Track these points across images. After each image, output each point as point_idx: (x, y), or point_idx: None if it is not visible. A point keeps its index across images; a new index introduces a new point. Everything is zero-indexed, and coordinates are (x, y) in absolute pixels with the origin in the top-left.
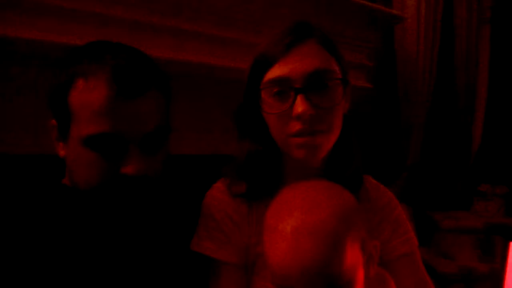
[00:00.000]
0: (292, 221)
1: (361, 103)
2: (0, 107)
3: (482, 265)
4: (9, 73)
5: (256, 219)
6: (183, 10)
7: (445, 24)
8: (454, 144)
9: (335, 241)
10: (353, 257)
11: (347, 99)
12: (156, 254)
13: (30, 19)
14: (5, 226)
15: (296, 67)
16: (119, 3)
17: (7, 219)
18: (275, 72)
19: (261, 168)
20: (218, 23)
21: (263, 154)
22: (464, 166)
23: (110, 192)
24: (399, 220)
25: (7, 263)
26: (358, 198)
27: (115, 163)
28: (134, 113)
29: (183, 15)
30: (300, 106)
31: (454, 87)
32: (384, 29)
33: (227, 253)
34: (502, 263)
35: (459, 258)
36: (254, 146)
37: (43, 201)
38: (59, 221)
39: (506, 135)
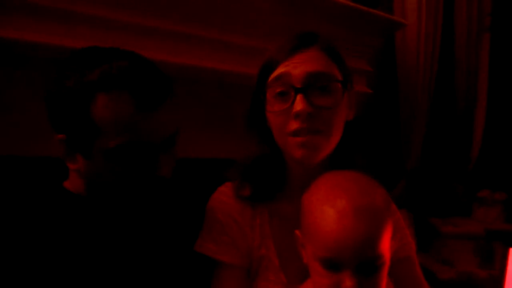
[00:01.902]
0: (351, 200)
1: (361, 108)
2: (2, 109)
3: (482, 271)
4: (11, 76)
5: (259, 222)
6: (189, 15)
7: (445, 31)
8: (454, 150)
9: (384, 223)
10: (389, 241)
11: (351, 107)
12: (160, 256)
13: (32, 22)
14: (3, 229)
15: (297, 67)
16: (124, 7)
17: (5, 222)
18: (278, 72)
19: (267, 171)
20: (227, 30)
21: (269, 157)
22: (464, 172)
23: (122, 190)
24: (397, 226)
25: (5, 266)
26: None
27: (144, 170)
28: (153, 125)
29: (189, 20)
30: (299, 104)
31: (454, 93)
32: (385, 35)
33: (230, 255)
34: (502, 269)
35: (459, 264)
36: (261, 148)
37: (43, 204)
38: (58, 225)
39: (505, 142)
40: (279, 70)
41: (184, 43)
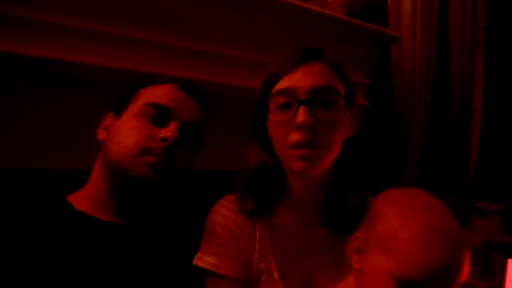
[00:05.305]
0: (442, 222)
1: (358, 121)
2: (6, 123)
3: (481, 282)
4: (13, 90)
5: (259, 235)
6: (202, 33)
7: (440, 44)
8: (451, 162)
9: (466, 251)
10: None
11: (352, 124)
12: (159, 269)
13: (33, 37)
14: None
15: (302, 80)
16: (136, 24)
17: (6, 233)
18: (282, 83)
19: (268, 183)
20: (227, 44)
21: (269, 168)
22: (461, 183)
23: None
24: None
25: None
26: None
27: (156, 131)
28: (184, 102)
29: (202, 38)
30: (301, 115)
31: (450, 106)
32: (381, 49)
33: (230, 268)
34: (501, 280)
35: None
36: (260, 158)
37: (44, 217)
38: (58, 239)
39: (502, 153)
40: (284, 82)
41: (189, 58)
